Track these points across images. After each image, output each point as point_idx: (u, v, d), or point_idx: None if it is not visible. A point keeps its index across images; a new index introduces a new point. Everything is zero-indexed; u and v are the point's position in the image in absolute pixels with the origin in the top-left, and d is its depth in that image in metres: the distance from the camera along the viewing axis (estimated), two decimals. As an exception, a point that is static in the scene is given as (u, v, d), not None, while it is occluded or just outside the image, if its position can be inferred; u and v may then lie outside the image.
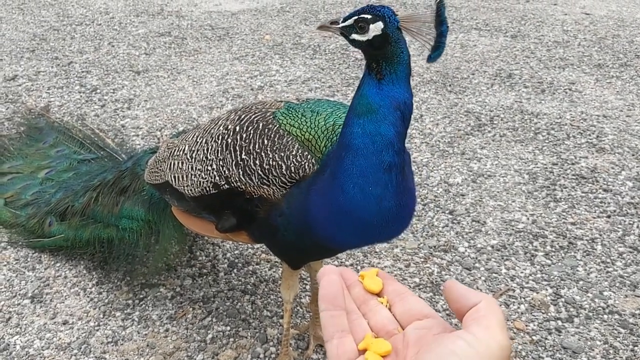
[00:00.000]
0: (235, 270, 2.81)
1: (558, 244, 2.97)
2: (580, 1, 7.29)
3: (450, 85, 4.84)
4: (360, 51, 1.60)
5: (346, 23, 1.56)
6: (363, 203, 1.60)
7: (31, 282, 2.73)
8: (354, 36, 1.56)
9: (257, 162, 1.82)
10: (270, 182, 1.79)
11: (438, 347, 0.77)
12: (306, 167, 1.74)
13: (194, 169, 2.04)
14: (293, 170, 1.75)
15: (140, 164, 2.60)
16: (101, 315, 2.54)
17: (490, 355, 0.75)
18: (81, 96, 4.66)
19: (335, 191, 1.63)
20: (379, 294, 0.91)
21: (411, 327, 0.84)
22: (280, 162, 1.77)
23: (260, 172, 1.80)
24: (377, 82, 1.57)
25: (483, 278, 2.75)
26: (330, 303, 0.86)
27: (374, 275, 0.92)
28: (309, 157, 1.75)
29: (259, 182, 1.81)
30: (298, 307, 2.60)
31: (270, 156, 1.79)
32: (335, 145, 1.68)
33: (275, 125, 1.85)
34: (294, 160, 1.76)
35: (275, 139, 1.82)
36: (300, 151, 1.76)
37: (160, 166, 2.28)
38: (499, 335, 0.77)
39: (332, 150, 1.70)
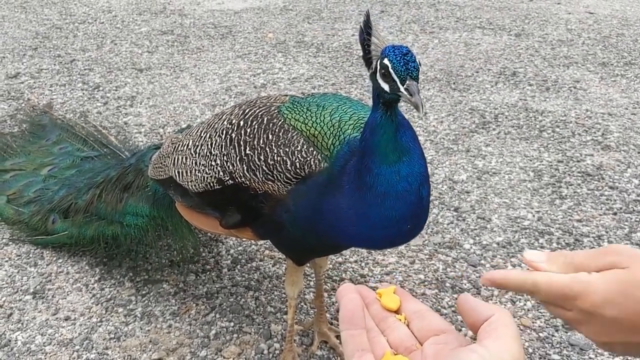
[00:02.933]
0: (238, 267, 2.79)
1: (564, 240, 2.94)
2: (584, 0, 7.26)
3: (454, 83, 4.82)
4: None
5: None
6: (392, 232, 1.61)
7: (33, 278, 2.71)
8: None
9: (262, 157, 1.79)
10: (275, 177, 1.76)
11: None
12: (312, 163, 1.71)
13: (198, 164, 2.02)
14: (298, 166, 1.72)
15: (144, 160, 2.58)
16: (103, 311, 2.52)
17: None
18: (83, 93, 4.65)
19: (366, 222, 1.60)
20: (396, 311, 0.92)
21: (428, 343, 0.86)
22: (285, 158, 1.74)
23: (265, 168, 1.78)
24: (403, 118, 1.57)
25: (489, 275, 2.72)
26: (350, 323, 0.87)
27: (392, 292, 0.93)
28: (314, 153, 1.71)
29: (263, 178, 1.79)
30: (302, 303, 2.58)
31: (275, 151, 1.77)
32: (361, 182, 1.58)
33: (280, 120, 1.83)
34: (299, 155, 1.73)
35: (280, 134, 1.79)
36: (305, 147, 1.73)
37: (164, 161, 2.26)
38: (511, 346, 0.78)
39: (351, 170, 1.63)
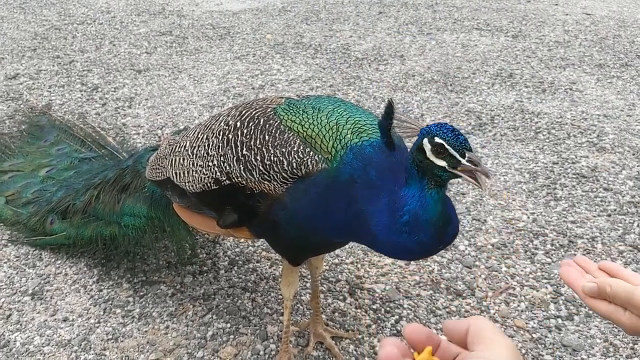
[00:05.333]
0: (235, 268, 2.81)
1: (558, 242, 2.97)
2: (581, 1, 7.29)
3: (451, 85, 4.84)
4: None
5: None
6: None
7: (32, 279, 2.73)
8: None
9: (259, 157, 1.83)
10: (272, 177, 1.80)
11: None
12: (309, 163, 1.75)
13: (195, 165, 2.05)
14: (295, 167, 1.76)
15: (141, 161, 2.61)
16: (101, 312, 2.54)
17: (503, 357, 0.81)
18: (82, 95, 4.67)
19: (389, 247, 1.72)
20: None
21: None
22: (281, 158, 1.78)
23: (262, 168, 1.82)
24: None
25: (483, 276, 2.75)
26: None
27: (429, 353, 0.92)
28: (311, 153, 1.76)
29: (260, 178, 1.83)
30: (298, 305, 2.60)
31: (272, 152, 1.81)
32: (400, 229, 1.66)
33: (276, 121, 1.87)
34: (295, 156, 1.77)
35: (277, 135, 1.83)
36: (302, 147, 1.77)
37: (162, 163, 2.28)
38: (499, 344, 0.83)
39: (374, 198, 1.70)
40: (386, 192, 1.69)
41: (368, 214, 1.70)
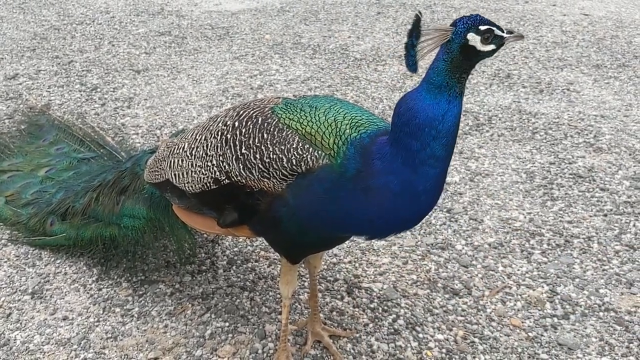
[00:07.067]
0: (234, 267, 2.83)
1: (554, 242, 2.99)
2: (579, 2, 7.31)
3: (449, 85, 4.85)
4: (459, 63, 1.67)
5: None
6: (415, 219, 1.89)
7: (31, 278, 2.75)
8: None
9: (257, 155, 1.86)
10: (271, 175, 1.83)
11: None
12: (309, 160, 1.78)
13: (194, 165, 2.07)
14: (294, 163, 1.79)
15: (139, 164, 2.63)
16: (101, 311, 2.56)
17: None
18: (81, 95, 4.69)
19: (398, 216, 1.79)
20: None
21: None
22: (280, 155, 1.81)
23: (261, 166, 1.84)
24: None
25: (480, 275, 2.77)
26: None
27: None
28: (310, 150, 1.79)
29: (259, 176, 1.85)
30: (296, 304, 2.62)
31: (271, 149, 1.84)
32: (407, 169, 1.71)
33: (275, 120, 1.90)
34: (294, 153, 1.80)
35: (275, 133, 1.86)
36: (301, 144, 1.80)
37: (161, 165, 2.30)
38: None
39: (383, 170, 1.73)
40: (389, 151, 1.73)
41: (384, 177, 1.73)
